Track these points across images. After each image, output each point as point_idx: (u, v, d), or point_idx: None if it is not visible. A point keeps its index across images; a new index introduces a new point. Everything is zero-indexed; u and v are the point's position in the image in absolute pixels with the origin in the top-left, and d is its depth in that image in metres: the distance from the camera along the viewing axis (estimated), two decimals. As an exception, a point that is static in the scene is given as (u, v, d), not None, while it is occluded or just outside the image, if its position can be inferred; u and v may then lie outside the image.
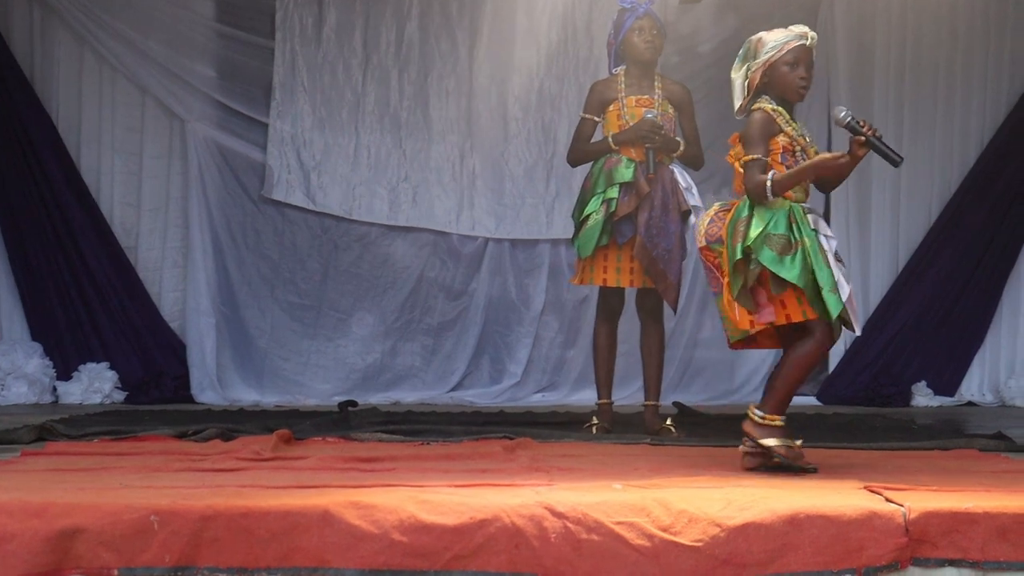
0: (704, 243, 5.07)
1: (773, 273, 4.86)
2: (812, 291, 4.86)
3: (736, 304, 4.94)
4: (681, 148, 6.46)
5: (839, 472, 4.91)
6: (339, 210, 8.72)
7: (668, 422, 6.41)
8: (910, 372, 8.83)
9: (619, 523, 3.91)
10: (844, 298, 4.84)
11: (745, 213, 4.97)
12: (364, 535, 3.83)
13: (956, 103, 8.99)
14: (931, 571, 3.96)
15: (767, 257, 4.84)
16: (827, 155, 4.99)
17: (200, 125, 8.65)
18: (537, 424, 6.70)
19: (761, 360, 8.73)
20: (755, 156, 4.96)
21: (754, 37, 5.10)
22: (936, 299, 8.87)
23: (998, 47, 9.02)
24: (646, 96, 6.45)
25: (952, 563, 3.97)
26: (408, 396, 8.48)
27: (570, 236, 8.47)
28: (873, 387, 8.73)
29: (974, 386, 8.92)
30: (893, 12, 8.98)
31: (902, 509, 3.97)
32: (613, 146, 6.42)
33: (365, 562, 3.82)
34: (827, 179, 5.16)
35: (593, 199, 6.41)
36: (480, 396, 8.53)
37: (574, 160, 6.71)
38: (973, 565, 3.96)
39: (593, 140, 6.58)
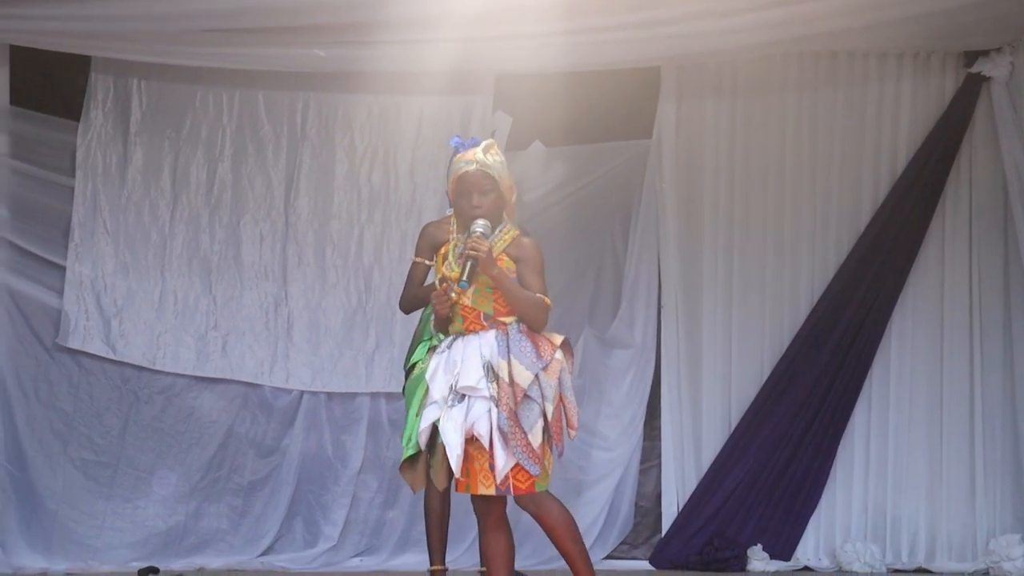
0: None
1: None
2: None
3: None
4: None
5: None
6: (142, 359, 8.16)
7: (510, 590, 5.96)
8: (745, 535, 8.49)
9: None
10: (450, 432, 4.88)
11: None
12: None
13: (786, 254, 8.80)
14: None
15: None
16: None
17: (-10, 268, 8.07)
18: (362, 591, 6.27)
19: (593, 520, 8.36)
20: None
21: None
22: (770, 459, 8.59)
23: (825, 193, 8.84)
24: (480, 238, 6.14)
25: None
26: (214, 561, 7.90)
27: (390, 390, 8.28)
28: (708, 551, 8.38)
29: (810, 550, 8.61)
30: (721, 161, 8.82)
31: None
32: None
33: None
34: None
35: (420, 346, 6.11)
36: (293, 561, 7.97)
37: (405, 306, 6.32)
38: None
39: (426, 284, 6.23)
